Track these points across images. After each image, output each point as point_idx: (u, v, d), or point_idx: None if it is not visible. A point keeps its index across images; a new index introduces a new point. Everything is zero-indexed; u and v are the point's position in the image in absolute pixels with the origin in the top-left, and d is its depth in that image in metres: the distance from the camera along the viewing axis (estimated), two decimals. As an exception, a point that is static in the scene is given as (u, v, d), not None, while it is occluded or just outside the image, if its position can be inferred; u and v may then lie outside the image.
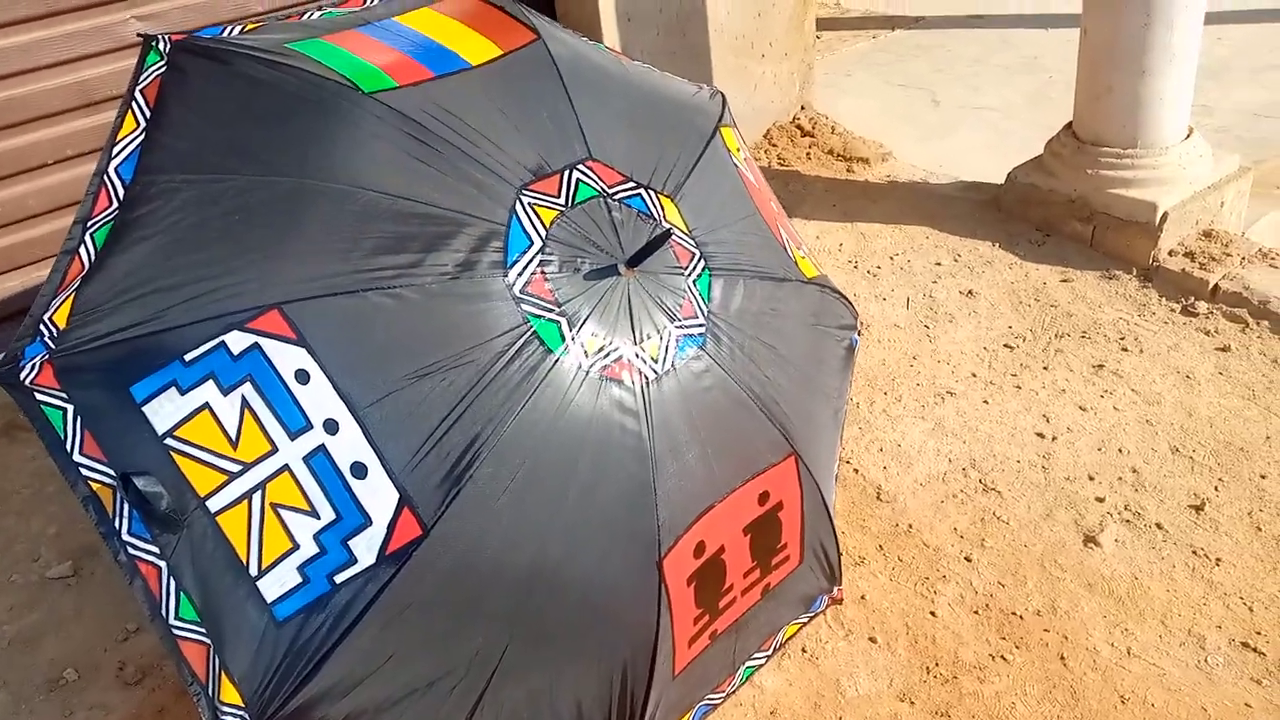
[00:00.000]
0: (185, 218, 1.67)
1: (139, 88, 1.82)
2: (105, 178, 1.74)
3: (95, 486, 1.58)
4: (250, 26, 1.96)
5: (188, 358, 1.56)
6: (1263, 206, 3.86)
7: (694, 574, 1.80)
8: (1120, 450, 2.74)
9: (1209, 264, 3.30)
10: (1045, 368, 3.04)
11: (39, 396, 1.59)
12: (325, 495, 1.55)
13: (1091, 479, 2.66)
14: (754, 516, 1.90)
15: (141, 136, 1.78)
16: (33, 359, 1.60)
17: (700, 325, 1.82)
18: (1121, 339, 3.13)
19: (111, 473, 1.57)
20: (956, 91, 5.40)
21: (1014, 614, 2.32)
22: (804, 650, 2.25)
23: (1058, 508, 2.58)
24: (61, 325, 1.63)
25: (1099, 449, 2.75)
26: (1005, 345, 3.15)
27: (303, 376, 1.55)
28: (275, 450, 1.55)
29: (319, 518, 1.55)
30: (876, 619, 2.32)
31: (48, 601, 2.42)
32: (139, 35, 1.92)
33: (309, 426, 1.55)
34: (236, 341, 1.56)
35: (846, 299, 2.23)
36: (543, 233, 1.71)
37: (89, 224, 1.71)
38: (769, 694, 2.17)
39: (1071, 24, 6.12)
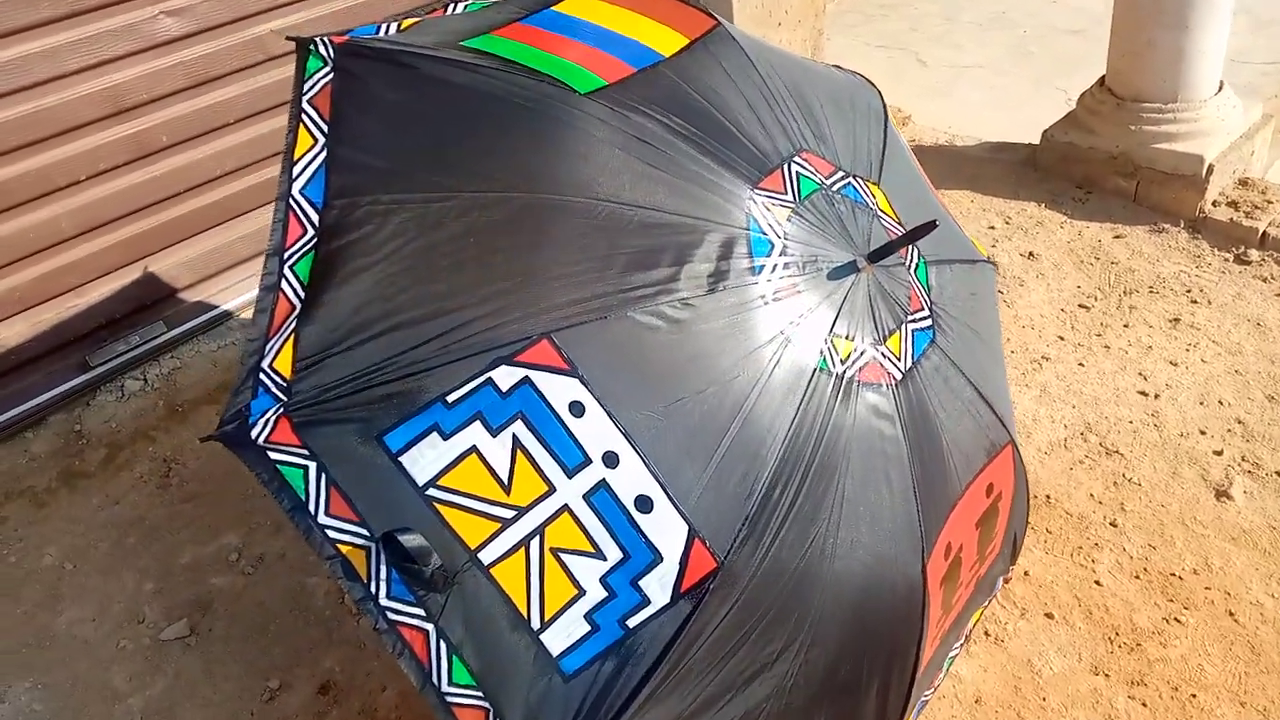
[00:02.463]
0: (406, 244, 1.51)
1: (306, 97, 1.63)
2: (291, 202, 1.56)
3: (344, 549, 1.43)
4: (407, 24, 1.78)
5: (450, 399, 1.42)
6: (1272, 152, 4.00)
7: (944, 575, 1.75)
8: (1221, 402, 2.80)
9: (1253, 212, 3.39)
10: (1126, 325, 3.08)
11: (274, 455, 1.42)
12: (610, 534, 1.43)
13: (1203, 433, 2.71)
14: (983, 510, 1.85)
15: (324, 153, 1.60)
16: (263, 414, 1.43)
17: (928, 318, 1.76)
18: (1188, 291, 3.20)
19: (364, 533, 1.43)
20: (938, 51, 5.43)
21: (1173, 575, 2.35)
22: (987, 634, 2.23)
23: (1181, 465, 2.62)
24: (287, 374, 1.46)
25: (1201, 402, 2.80)
26: (1080, 305, 3.18)
27: (577, 409, 1.43)
28: (553, 490, 1.43)
29: (605, 559, 1.43)
30: (1046, 594, 2.32)
31: (170, 666, 2.21)
32: (287, 38, 1.72)
33: (588, 461, 1.43)
34: (505, 377, 1.42)
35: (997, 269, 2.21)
36: (780, 232, 1.61)
37: (286, 257, 1.54)
38: (968, 683, 2.14)
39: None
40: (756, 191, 1.63)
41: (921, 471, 1.66)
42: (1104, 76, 3.68)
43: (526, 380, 1.42)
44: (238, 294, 3.05)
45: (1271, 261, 3.29)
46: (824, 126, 1.82)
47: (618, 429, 1.44)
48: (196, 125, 2.83)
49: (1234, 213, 3.42)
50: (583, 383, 1.43)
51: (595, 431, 1.43)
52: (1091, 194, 3.66)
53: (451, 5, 1.88)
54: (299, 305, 1.50)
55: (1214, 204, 3.46)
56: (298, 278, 1.53)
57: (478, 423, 1.42)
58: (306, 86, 1.64)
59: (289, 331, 1.48)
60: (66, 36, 2.56)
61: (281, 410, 1.43)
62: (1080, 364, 2.96)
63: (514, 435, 1.42)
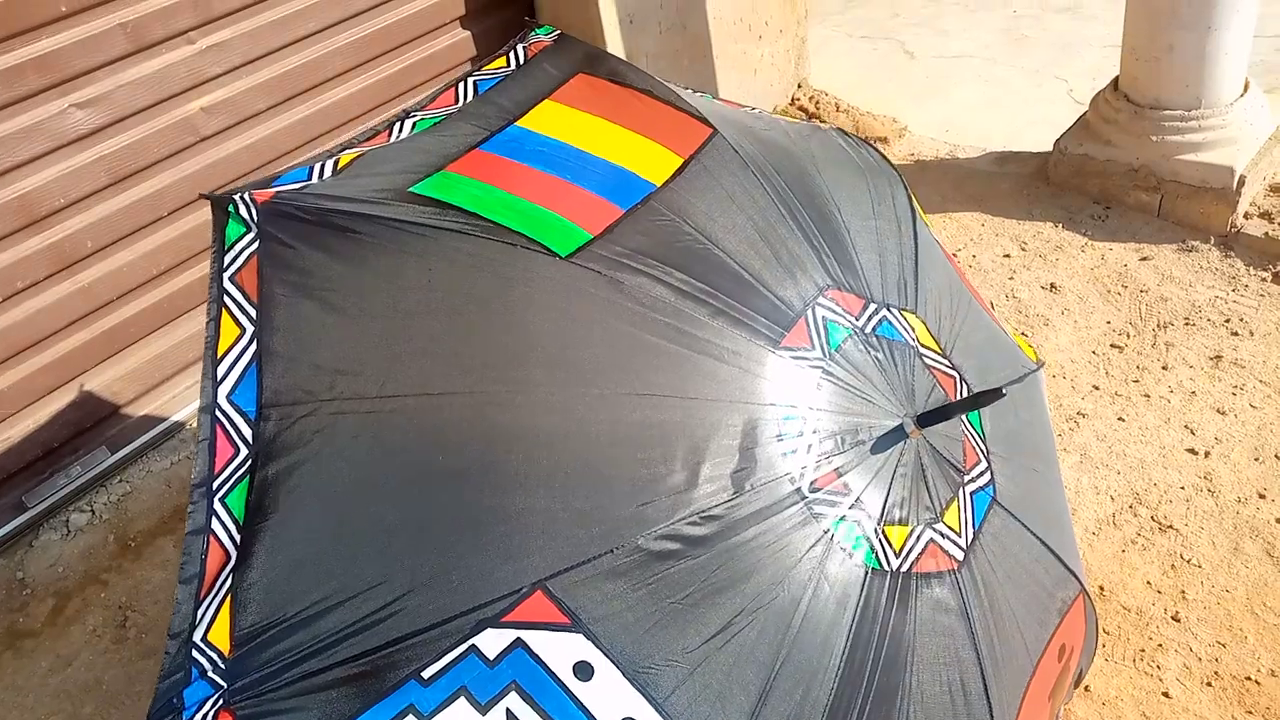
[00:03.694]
0: (361, 469, 1.23)
1: (228, 274, 1.35)
2: (218, 414, 1.28)
3: None
4: (345, 160, 1.49)
5: (426, 675, 1.15)
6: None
7: (1020, 769, 1.51)
8: (1278, 456, 2.56)
9: (1289, 224, 3.13)
10: (1164, 367, 2.83)
11: (215, 757, 1.15)
12: (637, 820, 1.17)
13: (1262, 496, 2.47)
14: (1056, 677, 1.61)
15: (252, 347, 1.31)
16: (199, 706, 1.16)
17: (986, 472, 1.50)
18: (1227, 322, 2.94)
19: (337, 840, 1.16)
20: (925, 39, 5.11)
21: (1248, 679, 2.11)
22: (1051, 770, 2.00)
23: (1242, 538, 2.38)
24: (225, 649, 1.18)
25: (1256, 458, 2.56)
26: (1113, 346, 2.92)
27: (584, 671, 1.17)
28: (560, 773, 1.16)
29: None
30: (1111, 714, 2.08)
31: None
32: (201, 196, 1.43)
33: (601, 735, 1.16)
34: (492, 642, 1.15)
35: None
36: (810, 402, 1.34)
37: (216, 487, 1.25)
38: (1037, 835, 1.90)
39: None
40: (779, 352, 1.35)
41: (993, 667, 1.41)
42: (1117, 79, 3.39)
43: (519, 643, 1.16)
44: (186, 402, 2.76)
45: (1313, 279, 3.04)
46: (848, 248, 1.54)
47: (635, 689, 1.17)
48: (124, 225, 2.51)
49: (1269, 225, 3.16)
50: (588, 637, 1.17)
51: (608, 696, 1.17)
52: (1111, 210, 3.39)
53: (398, 125, 1.59)
54: (234, 554, 1.23)
55: (1246, 216, 3.20)
56: (231, 514, 1.25)
57: (462, 699, 1.15)
58: (228, 260, 1.35)
59: (224, 591, 1.21)
60: (-37, 144, 2.24)
61: (221, 702, 1.16)
62: (1120, 419, 2.70)
63: (507, 710, 1.16)
